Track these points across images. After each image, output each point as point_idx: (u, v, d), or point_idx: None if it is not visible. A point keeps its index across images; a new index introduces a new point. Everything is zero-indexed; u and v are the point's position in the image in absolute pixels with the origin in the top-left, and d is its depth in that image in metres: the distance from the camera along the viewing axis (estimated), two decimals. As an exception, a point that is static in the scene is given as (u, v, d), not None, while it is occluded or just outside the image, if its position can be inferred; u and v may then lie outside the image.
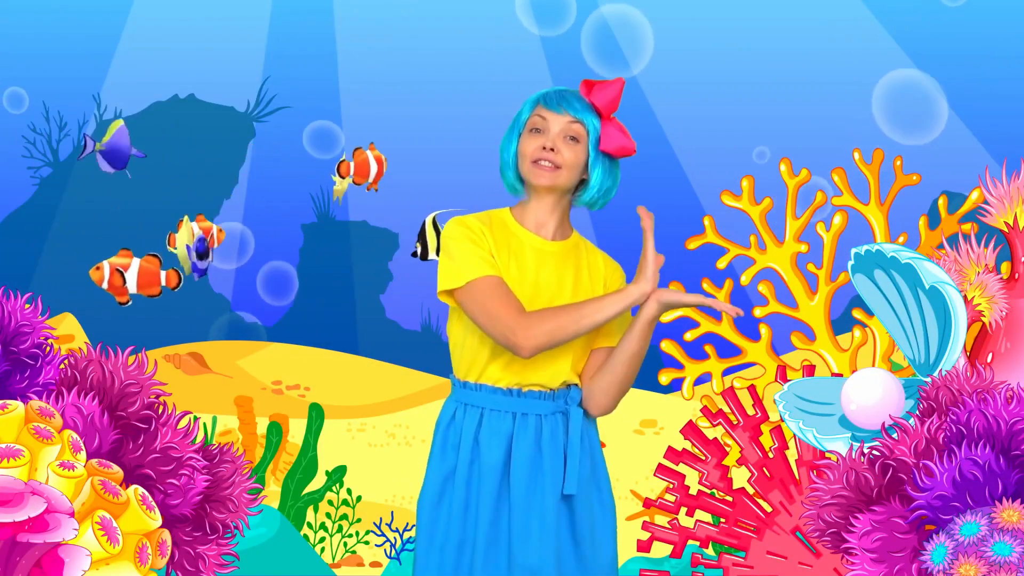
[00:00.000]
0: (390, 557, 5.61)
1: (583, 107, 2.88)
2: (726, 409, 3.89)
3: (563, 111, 2.87)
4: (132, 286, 3.87)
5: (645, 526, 3.90)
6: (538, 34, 5.84)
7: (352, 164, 3.82)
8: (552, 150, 2.85)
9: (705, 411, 3.91)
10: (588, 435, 2.93)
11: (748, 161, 3.54)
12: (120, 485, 2.53)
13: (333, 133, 6.47)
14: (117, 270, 3.70)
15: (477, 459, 2.88)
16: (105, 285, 3.72)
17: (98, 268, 3.95)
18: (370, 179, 3.85)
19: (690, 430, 3.92)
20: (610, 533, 2.93)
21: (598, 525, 2.90)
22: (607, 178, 2.92)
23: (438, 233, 3.64)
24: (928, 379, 2.70)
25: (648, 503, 3.92)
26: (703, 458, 3.90)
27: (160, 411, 2.70)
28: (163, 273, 4.18)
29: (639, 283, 2.83)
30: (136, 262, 3.90)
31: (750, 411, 3.88)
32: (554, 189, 2.90)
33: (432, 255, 3.62)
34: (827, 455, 2.84)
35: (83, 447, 2.52)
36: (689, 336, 3.98)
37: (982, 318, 3.22)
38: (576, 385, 2.92)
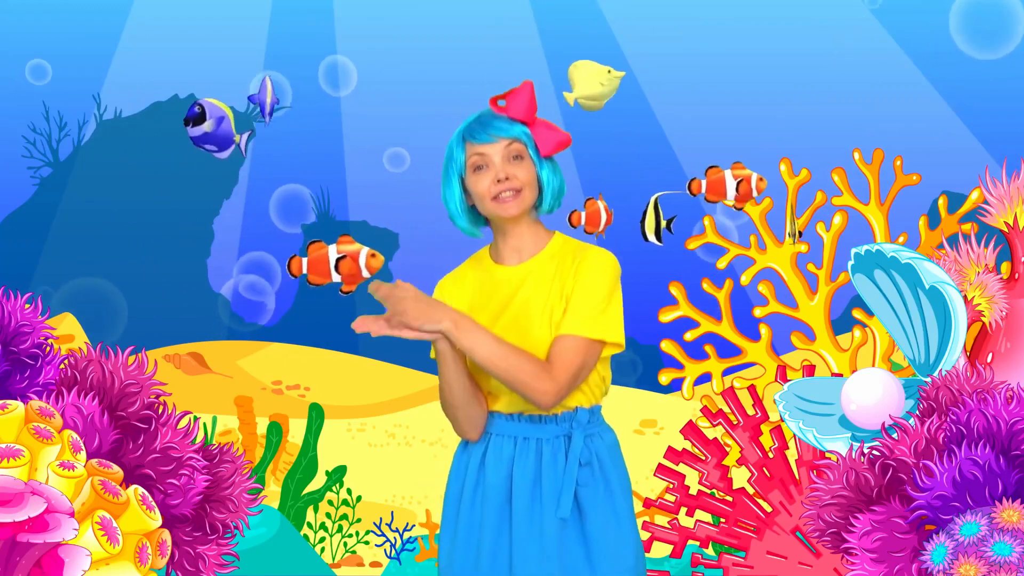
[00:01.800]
0: (390, 557, 5.61)
1: (509, 124, 2.87)
2: (726, 409, 3.89)
3: (495, 138, 2.85)
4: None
5: (645, 526, 3.90)
6: None
7: (583, 214, 3.74)
8: (506, 179, 2.84)
9: (705, 411, 3.91)
10: (599, 455, 2.91)
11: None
12: (120, 485, 2.53)
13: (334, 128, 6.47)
14: (348, 256, 3.59)
15: (482, 483, 2.90)
16: (337, 277, 3.64)
17: (345, 264, 3.85)
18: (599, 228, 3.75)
19: (690, 430, 3.92)
20: (626, 551, 2.89)
21: (612, 543, 2.88)
22: (555, 178, 2.91)
23: (658, 216, 3.59)
24: (928, 379, 2.70)
25: (648, 503, 3.92)
26: (703, 458, 3.90)
27: (160, 411, 2.70)
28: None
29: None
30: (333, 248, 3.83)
31: (750, 411, 3.88)
32: (523, 213, 2.89)
33: (652, 236, 3.59)
34: (827, 455, 2.84)
35: (83, 447, 2.52)
36: (689, 336, 3.98)
37: (982, 318, 3.22)
38: (582, 407, 2.90)
